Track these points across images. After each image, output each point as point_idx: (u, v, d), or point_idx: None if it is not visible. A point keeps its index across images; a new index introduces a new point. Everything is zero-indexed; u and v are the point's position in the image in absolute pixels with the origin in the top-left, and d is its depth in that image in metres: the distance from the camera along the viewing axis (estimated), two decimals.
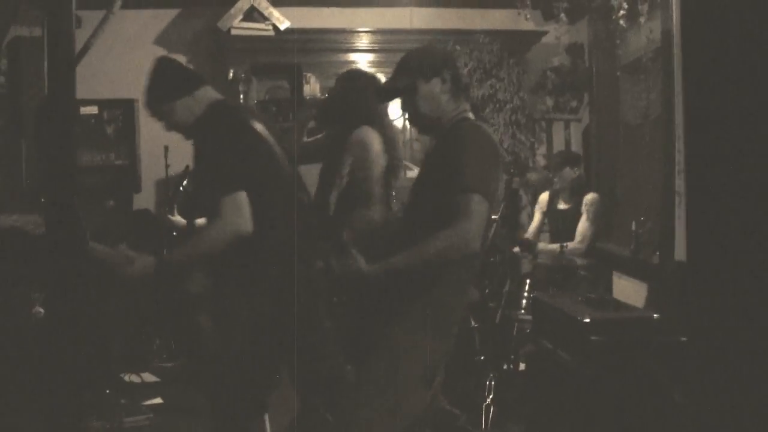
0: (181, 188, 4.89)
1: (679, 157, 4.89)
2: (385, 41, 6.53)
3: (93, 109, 6.30)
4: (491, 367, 4.50)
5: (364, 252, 2.61)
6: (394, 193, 4.98)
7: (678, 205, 4.86)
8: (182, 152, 5.83)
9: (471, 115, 2.76)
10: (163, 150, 5.90)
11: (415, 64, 2.74)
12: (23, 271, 4.16)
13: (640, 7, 5.09)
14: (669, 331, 3.42)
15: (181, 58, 6.66)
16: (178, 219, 4.60)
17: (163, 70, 3.13)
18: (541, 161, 6.69)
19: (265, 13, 6.27)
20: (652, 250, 5.23)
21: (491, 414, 4.31)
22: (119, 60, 6.36)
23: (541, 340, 3.96)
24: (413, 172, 5.07)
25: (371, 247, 3.02)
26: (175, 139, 5.79)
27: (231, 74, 6.34)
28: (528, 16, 6.11)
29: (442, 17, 6.72)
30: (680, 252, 4.82)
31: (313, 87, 6.41)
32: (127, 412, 4.56)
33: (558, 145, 6.82)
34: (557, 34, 6.12)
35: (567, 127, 6.83)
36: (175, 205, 4.65)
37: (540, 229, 5.70)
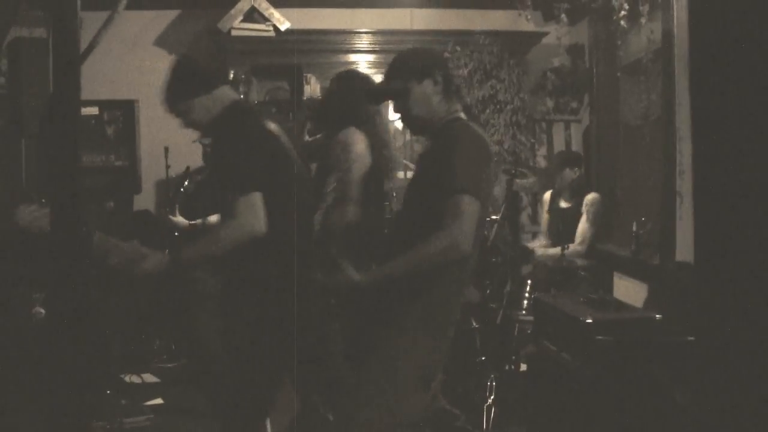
0: (182, 189, 4.88)
1: (680, 158, 4.89)
2: (386, 42, 6.53)
3: (93, 110, 6.30)
4: (492, 368, 4.50)
5: (357, 255, 2.62)
6: (395, 194, 4.98)
7: (679, 205, 4.86)
8: (182, 153, 5.86)
9: (463, 116, 2.76)
10: (163, 151, 5.90)
11: (407, 65, 2.75)
12: (24, 271, 4.16)
13: (641, 8, 5.09)
14: (671, 332, 3.42)
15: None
16: (179, 219, 4.60)
17: (182, 68, 3.14)
18: (542, 162, 6.69)
19: (266, 14, 6.26)
20: (653, 250, 5.23)
21: (492, 415, 4.30)
22: (120, 61, 6.37)
23: (543, 341, 3.95)
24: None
25: (368, 248, 3.02)
26: (175, 140, 5.86)
27: (231, 75, 6.34)
28: (529, 17, 6.11)
29: (442, 18, 6.72)
30: (681, 253, 4.82)
31: (313, 88, 6.41)
32: (128, 413, 4.56)
33: (558, 146, 6.83)
34: (558, 35, 6.12)
35: (567, 128, 6.83)
36: (177, 206, 4.65)
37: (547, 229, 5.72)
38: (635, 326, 3.51)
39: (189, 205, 4.80)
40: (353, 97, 3.64)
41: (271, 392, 3.10)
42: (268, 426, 3.07)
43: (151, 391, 5.04)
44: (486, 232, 4.66)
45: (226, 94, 3.09)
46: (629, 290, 5.38)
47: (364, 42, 6.52)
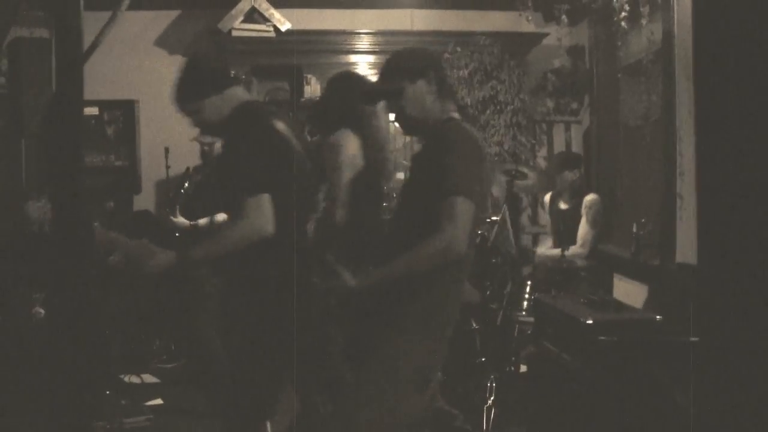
0: (182, 191, 4.88)
1: (680, 159, 4.89)
2: (386, 43, 6.53)
3: (93, 110, 6.31)
4: (492, 369, 4.49)
5: (353, 258, 2.62)
6: (394, 195, 4.98)
7: (679, 206, 4.86)
8: (182, 153, 5.86)
9: (456, 116, 2.75)
10: (163, 151, 5.90)
11: (401, 65, 2.74)
12: (24, 271, 4.16)
13: (641, 9, 5.09)
14: (671, 333, 3.42)
15: (182, 60, 6.66)
16: (180, 220, 4.60)
17: (193, 68, 3.14)
18: (542, 163, 6.69)
19: (266, 15, 6.27)
20: (653, 251, 5.23)
21: (492, 415, 4.30)
22: (120, 61, 6.37)
23: (543, 341, 3.95)
24: None
25: (364, 250, 3.01)
26: (175, 140, 5.86)
27: (231, 75, 6.33)
28: (529, 18, 6.12)
29: (442, 19, 6.72)
30: (681, 254, 4.82)
31: (313, 88, 6.41)
32: (128, 413, 4.56)
33: (559, 147, 6.83)
34: (558, 35, 6.12)
35: (567, 128, 6.84)
36: (178, 207, 4.65)
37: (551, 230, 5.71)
38: (635, 327, 3.51)
39: (189, 205, 4.80)
40: (348, 99, 3.64)
41: (272, 393, 3.10)
42: (269, 427, 3.07)
43: (150, 391, 5.03)
44: (486, 233, 4.67)
45: (237, 94, 3.09)
46: (629, 291, 5.37)
47: (364, 43, 6.53)
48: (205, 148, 4.99)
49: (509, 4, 6.24)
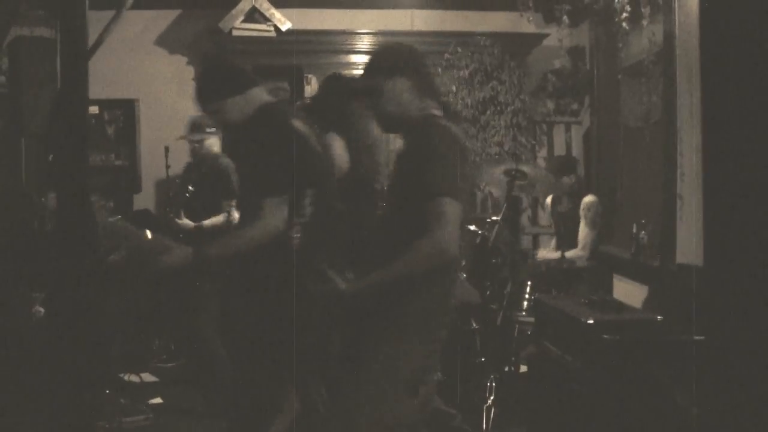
0: (187, 194, 4.87)
1: (681, 160, 4.89)
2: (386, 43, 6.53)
3: (94, 109, 6.30)
4: (492, 369, 4.49)
5: (343, 261, 2.61)
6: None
7: (679, 207, 4.86)
8: (182, 153, 5.85)
9: (437, 112, 2.72)
10: (163, 150, 5.88)
11: (381, 63, 2.71)
12: (24, 270, 4.15)
13: (642, 10, 5.09)
14: (672, 333, 3.42)
15: (182, 59, 6.68)
16: (185, 222, 4.60)
17: (215, 69, 3.14)
18: (542, 164, 6.68)
19: (267, 14, 6.26)
20: (653, 252, 5.23)
21: (492, 415, 4.30)
22: (120, 60, 6.36)
23: (544, 342, 3.95)
24: None
25: (353, 253, 3.00)
26: (175, 139, 5.85)
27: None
28: (530, 19, 6.11)
29: (443, 19, 6.72)
30: (682, 254, 4.82)
31: (313, 88, 6.40)
32: (127, 412, 4.56)
33: (559, 148, 6.83)
34: (559, 36, 6.12)
35: (568, 129, 6.84)
36: (182, 210, 4.65)
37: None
38: (636, 327, 3.50)
39: (192, 206, 4.79)
40: (335, 101, 3.64)
41: (276, 392, 3.09)
42: (273, 426, 3.06)
43: (150, 390, 5.03)
44: (487, 234, 4.66)
45: (258, 95, 3.09)
46: (629, 292, 5.38)
47: (364, 43, 6.52)
48: (195, 145, 4.98)
49: (510, 5, 6.24)
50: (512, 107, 6.36)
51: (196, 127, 4.92)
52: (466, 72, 6.33)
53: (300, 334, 2.91)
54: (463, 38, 6.42)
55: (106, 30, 2.48)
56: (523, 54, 6.56)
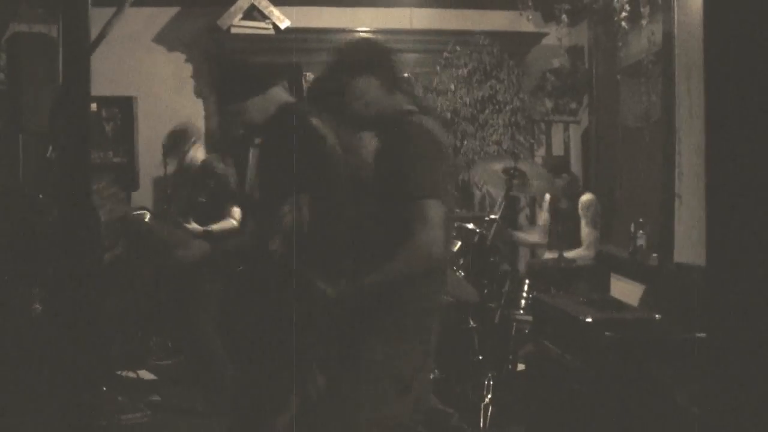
0: (200, 199, 4.84)
1: (679, 160, 4.90)
2: (385, 41, 6.47)
3: (92, 107, 6.29)
4: (490, 367, 4.50)
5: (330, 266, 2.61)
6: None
7: (678, 207, 4.87)
8: None
9: (411, 107, 2.67)
10: (161, 148, 5.88)
11: (346, 61, 2.68)
12: (23, 267, 4.15)
13: (642, 9, 5.09)
14: (671, 332, 3.42)
15: (180, 57, 6.67)
16: (194, 226, 4.60)
17: (234, 69, 3.14)
18: (540, 163, 6.68)
19: (265, 12, 6.26)
20: (651, 252, 5.23)
21: (489, 414, 4.31)
22: (118, 58, 6.33)
23: (542, 340, 3.95)
24: None
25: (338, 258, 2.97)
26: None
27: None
28: (530, 18, 6.11)
29: (442, 18, 6.71)
30: (680, 254, 4.83)
31: None
32: (125, 410, 4.55)
33: (557, 147, 6.83)
34: (558, 35, 6.12)
35: (566, 129, 6.84)
36: (191, 216, 4.65)
37: (548, 229, 5.68)
38: (635, 326, 3.51)
39: (197, 211, 4.78)
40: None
41: (278, 390, 3.08)
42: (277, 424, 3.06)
43: (148, 388, 5.02)
44: (485, 232, 4.67)
45: (278, 94, 3.09)
46: (626, 291, 5.38)
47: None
48: (186, 156, 4.96)
49: (509, 4, 6.24)
50: (511, 106, 6.36)
51: (178, 140, 4.92)
52: (465, 71, 6.33)
53: (298, 333, 2.90)
54: (462, 37, 6.42)
55: (109, 24, 2.47)
56: (522, 53, 6.56)
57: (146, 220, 4.41)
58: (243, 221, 4.52)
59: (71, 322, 2.64)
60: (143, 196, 6.59)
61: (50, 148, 4.93)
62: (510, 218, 6.11)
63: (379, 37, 6.47)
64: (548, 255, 5.54)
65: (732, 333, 1.69)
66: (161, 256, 4.56)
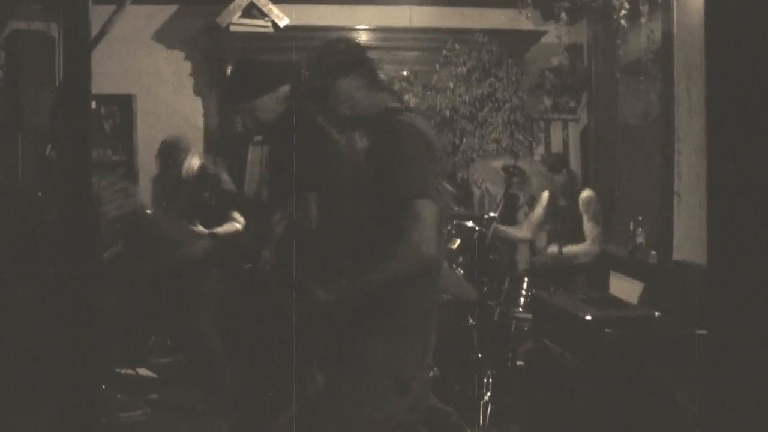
0: (213, 203, 4.84)
1: (678, 158, 4.90)
2: (384, 39, 6.53)
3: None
4: (489, 365, 4.50)
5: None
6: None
7: (677, 205, 4.88)
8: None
9: (397, 104, 2.65)
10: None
11: (325, 64, 2.64)
12: (22, 265, 4.15)
13: (641, 7, 5.09)
14: (671, 330, 3.42)
15: (179, 55, 6.66)
16: (200, 229, 4.61)
17: (245, 68, 3.14)
18: (538, 160, 6.68)
19: (264, 10, 6.25)
20: (650, 249, 5.24)
21: (489, 411, 4.31)
22: (117, 56, 6.33)
23: (542, 338, 3.95)
24: None
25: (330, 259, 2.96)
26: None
27: (229, 71, 6.33)
28: (529, 16, 6.11)
29: (441, 16, 6.71)
30: (679, 252, 4.83)
31: None
32: (124, 408, 4.56)
33: (556, 145, 6.83)
34: (557, 34, 6.12)
35: (565, 127, 6.84)
36: (197, 219, 4.66)
37: (539, 224, 5.66)
38: (634, 323, 3.51)
39: (203, 215, 4.78)
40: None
41: (278, 391, 3.08)
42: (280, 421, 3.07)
43: (147, 386, 5.02)
44: (484, 230, 4.67)
45: (288, 93, 3.08)
46: (625, 289, 5.38)
47: (362, 39, 6.50)
48: (184, 166, 4.95)
49: (508, 2, 6.24)
50: (510, 104, 6.35)
51: (172, 151, 4.91)
52: (464, 69, 6.32)
53: (298, 333, 2.90)
54: (461, 35, 6.41)
55: (110, 21, 2.47)
56: (521, 51, 6.55)
57: (148, 212, 4.42)
58: (246, 224, 4.53)
59: (71, 320, 2.64)
60: (142, 193, 6.57)
61: (49, 146, 4.93)
62: (509, 216, 6.10)
63: (378, 35, 6.48)
64: (552, 251, 5.53)
65: (732, 331, 1.69)
66: (166, 252, 4.56)
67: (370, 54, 2.74)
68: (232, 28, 6.23)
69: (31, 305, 4.20)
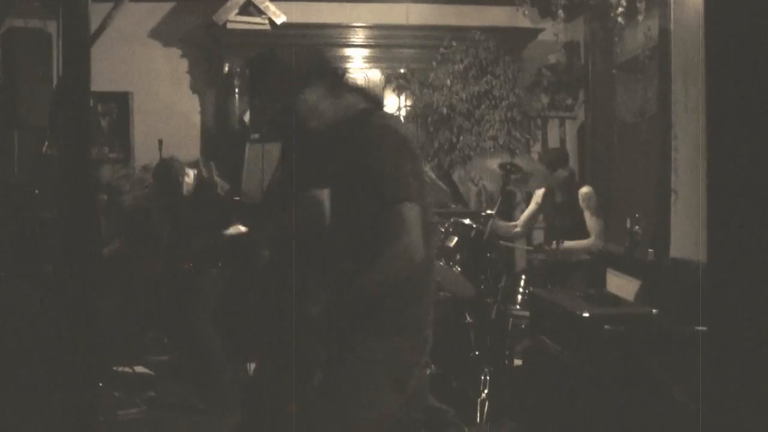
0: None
1: (675, 155, 4.91)
2: (381, 37, 6.53)
3: None
4: (486, 362, 4.50)
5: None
6: None
7: (674, 202, 4.88)
8: (176, 145, 5.83)
9: (367, 106, 2.58)
10: (157, 143, 5.87)
11: (283, 80, 2.55)
12: (19, 262, 4.15)
13: (638, 4, 5.09)
14: (668, 327, 3.43)
15: (176, 52, 6.65)
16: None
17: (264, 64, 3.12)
18: (536, 158, 6.68)
19: (261, 7, 6.24)
20: (647, 247, 5.24)
21: (486, 409, 4.31)
22: (114, 53, 6.32)
23: (539, 335, 3.96)
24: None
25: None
26: (169, 132, 5.85)
27: (226, 68, 6.32)
28: (526, 13, 6.11)
29: (438, 13, 6.71)
30: (676, 249, 4.84)
31: None
32: (121, 405, 4.55)
33: (553, 143, 6.84)
34: (555, 31, 6.12)
35: (562, 124, 6.84)
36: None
37: (532, 219, 5.65)
38: (632, 321, 3.51)
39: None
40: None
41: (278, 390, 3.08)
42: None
43: (144, 383, 5.02)
44: (482, 228, 4.67)
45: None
46: (623, 286, 5.39)
47: (359, 36, 6.51)
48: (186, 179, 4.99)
49: None
50: (507, 102, 6.36)
51: (167, 173, 4.95)
52: (461, 66, 6.32)
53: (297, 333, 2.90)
54: (458, 32, 6.41)
55: (109, 17, 2.46)
56: (518, 49, 6.56)
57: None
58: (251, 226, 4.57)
59: (70, 317, 2.64)
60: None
61: (46, 143, 4.93)
62: (506, 213, 6.10)
63: (375, 32, 6.47)
64: (558, 247, 5.51)
65: (732, 329, 1.69)
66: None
67: (331, 55, 2.67)
68: (229, 26, 6.22)
69: (28, 302, 4.20)
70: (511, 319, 4.76)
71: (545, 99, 6.72)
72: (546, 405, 3.81)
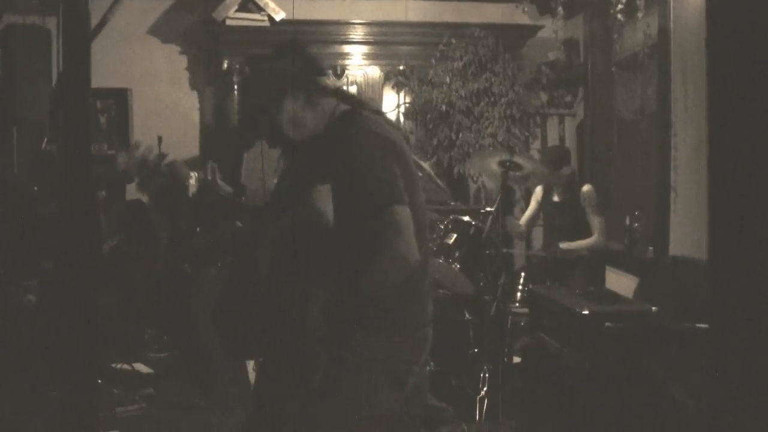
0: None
1: (674, 153, 4.91)
2: (380, 33, 6.52)
3: None
4: (485, 360, 4.51)
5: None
6: None
7: (673, 200, 4.89)
8: (175, 143, 5.82)
9: (347, 107, 2.53)
10: (156, 140, 5.86)
11: (262, 90, 2.54)
12: (17, 258, 4.14)
13: (637, 2, 5.09)
14: (667, 324, 3.43)
15: (175, 49, 6.64)
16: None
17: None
18: (535, 155, 6.69)
19: (261, 4, 6.24)
20: (647, 245, 5.24)
21: (485, 406, 4.32)
22: (112, 50, 6.31)
23: (538, 333, 3.96)
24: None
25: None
26: (168, 129, 5.83)
27: (225, 65, 6.32)
28: (525, 10, 6.11)
29: (437, 10, 6.72)
30: (675, 247, 4.84)
31: None
32: (120, 402, 4.55)
33: (552, 140, 6.83)
34: (554, 28, 6.12)
35: (561, 122, 6.84)
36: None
37: (534, 218, 5.66)
38: (631, 318, 3.52)
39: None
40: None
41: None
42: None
43: (143, 381, 5.02)
44: (481, 225, 4.67)
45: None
46: (622, 284, 5.40)
47: (358, 33, 6.51)
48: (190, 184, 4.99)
49: None
50: (506, 99, 6.36)
51: (175, 175, 4.96)
52: (460, 63, 6.32)
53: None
54: (458, 29, 6.41)
55: (110, 12, 2.44)
56: (517, 46, 6.56)
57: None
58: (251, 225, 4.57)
59: (70, 314, 2.63)
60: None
61: (45, 140, 4.92)
62: (506, 210, 6.10)
63: (374, 29, 6.46)
64: (563, 246, 5.51)
65: (732, 327, 1.69)
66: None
67: (303, 56, 2.62)
68: (229, 22, 6.21)
69: (28, 300, 4.19)
70: (510, 317, 4.76)
71: (544, 96, 6.72)
72: (545, 402, 3.81)
